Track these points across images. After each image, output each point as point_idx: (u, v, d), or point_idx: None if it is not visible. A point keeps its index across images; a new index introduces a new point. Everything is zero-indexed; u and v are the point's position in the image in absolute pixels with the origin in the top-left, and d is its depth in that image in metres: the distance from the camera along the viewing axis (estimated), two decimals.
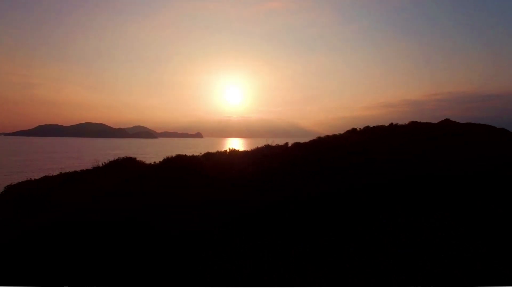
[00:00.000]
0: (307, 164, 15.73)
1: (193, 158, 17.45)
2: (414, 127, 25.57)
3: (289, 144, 22.45)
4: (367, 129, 25.75)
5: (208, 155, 19.60)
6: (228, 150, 21.03)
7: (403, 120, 27.16)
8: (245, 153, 20.72)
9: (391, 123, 26.83)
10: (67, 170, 17.34)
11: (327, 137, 23.74)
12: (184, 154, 17.81)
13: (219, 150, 21.64)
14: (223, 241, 7.65)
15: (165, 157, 17.41)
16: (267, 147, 21.39)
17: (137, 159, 18.49)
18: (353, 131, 25.64)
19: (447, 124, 26.46)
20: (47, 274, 6.51)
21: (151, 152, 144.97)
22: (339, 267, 5.86)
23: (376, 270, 5.61)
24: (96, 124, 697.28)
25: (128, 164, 17.39)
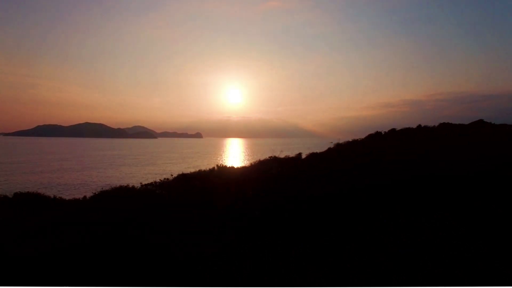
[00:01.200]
0: (314, 169, 14.82)
1: (147, 195, 11.12)
2: (444, 128, 24.69)
3: (303, 155, 17.94)
4: (392, 132, 24.40)
5: (180, 181, 13.16)
6: (216, 168, 15.19)
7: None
8: (241, 172, 14.96)
9: (419, 125, 25.50)
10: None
11: (347, 143, 21.79)
12: (131, 186, 12.41)
13: (204, 166, 15.77)
14: (222, 241, 7.63)
15: (99, 190, 12.21)
16: (274, 160, 16.19)
17: (46, 194, 12.41)
18: (376, 135, 24.38)
19: (480, 125, 25.71)
20: (48, 274, 6.48)
21: (148, 153, 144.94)
22: (340, 267, 5.85)
23: (377, 270, 5.60)
24: (96, 124, 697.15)
25: (25, 206, 10.93)
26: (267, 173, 14.26)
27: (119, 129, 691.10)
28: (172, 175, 14.42)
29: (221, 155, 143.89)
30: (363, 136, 24.73)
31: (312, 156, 18.29)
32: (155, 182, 13.58)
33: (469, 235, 6.55)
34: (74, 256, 7.11)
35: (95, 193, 12.39)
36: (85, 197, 12.89)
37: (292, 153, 18.00)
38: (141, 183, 13.66)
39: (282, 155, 17.10)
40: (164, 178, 13.98)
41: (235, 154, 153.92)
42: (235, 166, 16.35)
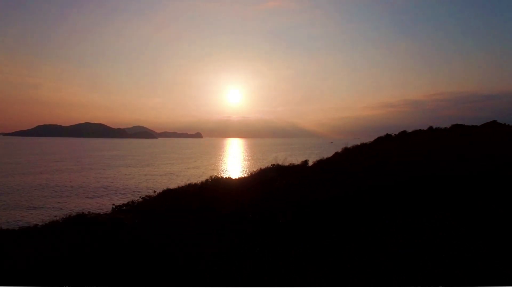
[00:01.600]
0: (319, 174, 14.38)
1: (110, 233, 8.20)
2: (456, 130, 24.23)
3: (305, 157, 17.06)
4: (402, 134, 23.86)
5: (164, 199, 10.84)
6: (209, 180, 13.32)
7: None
8: (240, 183, 13.51)
9: (430, 127, 25.01)
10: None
11: (355, 147, 21.32)
12: (95, 214, 10.16)
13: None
14: (222, 241, 7.63)
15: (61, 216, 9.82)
16: (276, 169, 14.78)
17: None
18: (386, 137, 23.73)
19: (493, 126, 25.23)
20: (48, 274, 6.47)
21: (148, 153, 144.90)
22: (340, 267, 5.84)
23: (377, 270, 5.59)
24: (96, 124, 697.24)
25: None
26: (269, 182, 13.15)
27: (119, 129, 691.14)
28: (155, 192, 12.33)
29: (220, 156, 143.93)
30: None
31: (320, 163, 17.30)
32: (133, 202, 11.29)
33: (469, 235, 6.55)
34: (74, 256, 7.10)
35: (44, 223, 10.12)
36: (36, 225, 10.60)
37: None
38: (113, 204, 11.55)
39: (286, 163, 15.63)
40: (146, 196, 11.90)
41: (235, 155, 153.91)
42: (232, 177, 14.66)
